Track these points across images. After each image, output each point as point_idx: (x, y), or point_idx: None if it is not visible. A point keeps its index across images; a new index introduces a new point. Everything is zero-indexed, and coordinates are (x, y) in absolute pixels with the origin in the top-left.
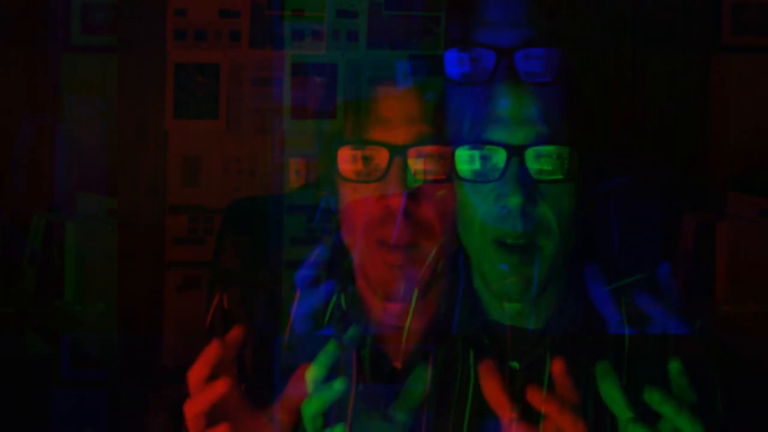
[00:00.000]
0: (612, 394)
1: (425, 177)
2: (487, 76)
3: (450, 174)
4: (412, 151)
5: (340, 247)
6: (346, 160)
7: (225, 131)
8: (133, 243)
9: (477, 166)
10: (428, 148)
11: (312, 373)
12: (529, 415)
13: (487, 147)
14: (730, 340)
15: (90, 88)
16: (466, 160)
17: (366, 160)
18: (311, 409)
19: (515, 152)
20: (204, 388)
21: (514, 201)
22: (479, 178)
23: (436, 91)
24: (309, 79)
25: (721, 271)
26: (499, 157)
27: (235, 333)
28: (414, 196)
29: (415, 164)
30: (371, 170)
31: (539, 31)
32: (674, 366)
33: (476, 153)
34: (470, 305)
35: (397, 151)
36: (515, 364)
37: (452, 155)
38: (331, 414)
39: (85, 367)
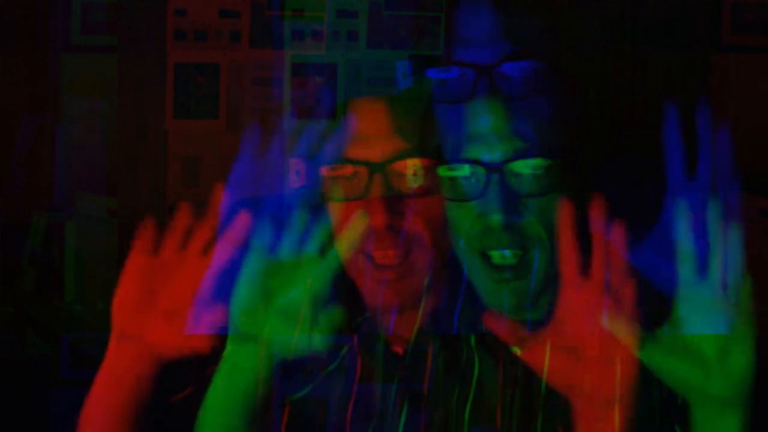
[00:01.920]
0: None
1: (410, 191)
2: (468, 93)
3: (435, 186)
4: (392, 167)
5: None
6: (328, 179)
7: (225, 131)
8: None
9: (458, 184)
10: (410, 162)
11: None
12: (528, 404)
13: (467, 166)
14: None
15: (90, 88)
16: (447, 179)
17: (346, 179)
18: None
19: (494, 169)
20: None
21: (495, 219)
22: (461, 196)
23: (419, 103)
24: (309, 79)
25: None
26: (479, 174)
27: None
28: (399, 210)
29: (398, 179)
30: (353, 189)
31: (518, 44)
32: None
33: (456, 172)
34: (471, 295)
35: (377, 168)
36: (517, 350)
37: (436, 167)
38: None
39: (85, 367)
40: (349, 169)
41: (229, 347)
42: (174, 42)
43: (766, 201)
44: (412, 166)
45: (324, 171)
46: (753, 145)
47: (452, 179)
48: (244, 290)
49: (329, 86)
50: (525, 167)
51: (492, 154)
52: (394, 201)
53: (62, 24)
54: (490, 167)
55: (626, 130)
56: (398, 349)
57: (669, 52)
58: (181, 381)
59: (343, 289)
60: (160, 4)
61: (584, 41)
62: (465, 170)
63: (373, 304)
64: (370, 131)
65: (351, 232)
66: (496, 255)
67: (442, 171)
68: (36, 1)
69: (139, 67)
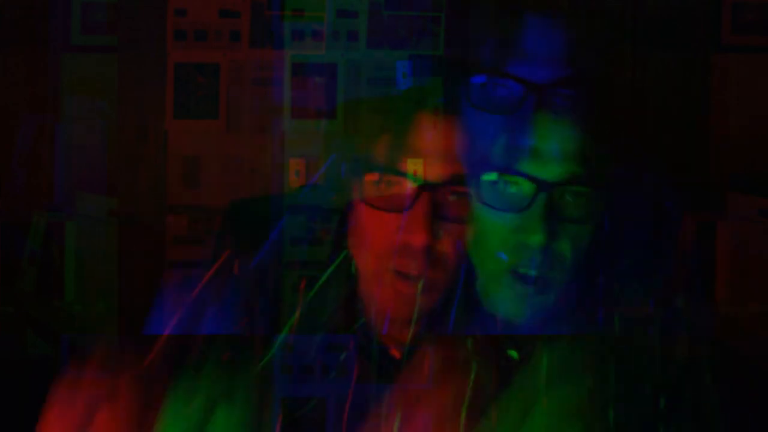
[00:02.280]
0: None
1: (449, 215)
2: (514, 107)
3: (469, 215)
4: (440, 189)
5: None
6: (373, 185)
7: (225, 131)
8: (133, 243)
9: (502, 194)
10: (457, 188)
11: None
12: (520, 407)
13: (517, 177)
14: (730, 340)
15: (90, 88)
16: (491, 185)
17: (393, 188)
18: None
19: (545, 188)
20: None
21: (536, 239)
22: (502, 206)
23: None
24: (309, 79)
25: (721, 271)
26: (528, 190)
27: None
28: (436, 232)
29: (443, 202)
30: (396, 200)
31: (573, 67)
32: None
33: (504, 181)
34: (468, 298)
35: (429, 188)
36: (514, 354)
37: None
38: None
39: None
40: (399, 181)
41: None
42: (174, 42)
43: (766, 201)
44: (459, 191)
45: (372, 176)
46: (753, 145)
47: (497, 187)
48: None
49: (329, 86)
50: (576, 192)
51: (546, 172)
52: (435, 222)
53: (62, 24)
54: (542, 185)
55: (626, 131)
56: (395, 353)
57: (669, 52)
58: None
59: (343, 293)
60: (160, 4)
61: (615, 79)
62: (514, 181)
63: (386, 313)
64: (430, 149)
65: None
66: (524, 270)
67: (487, 177)
68: (36, 1)
69: (139, 67)
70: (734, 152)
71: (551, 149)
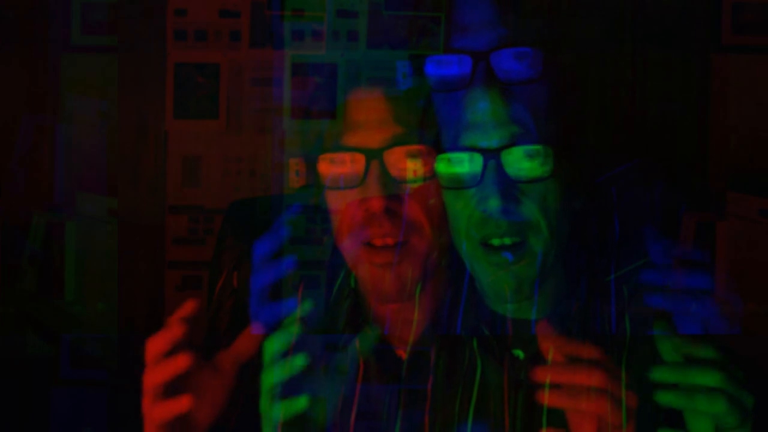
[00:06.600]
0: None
1: (407, 176)
2: (467, 80)
3: (432, 171)
4: (389, 153)
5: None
6: (325, 167)
7: (225, 131)
8: (133, 243)
9: (456, 172)
10: (407, 149)
11: (271, 347)
12: (531, 406)
13: (464, 153)
14: (730, 340)
15: (90, 88)
16: (445, 167)
17: (344, 166)
18: (269, 380)
19: (491, 156)
20: (164, 361)
21: (493, 204)
22: (459, 184)
23: (417, 91)
24: (309, 79)
25: (721, 271)
26: (476, 161)
27: (191, 306)
28: (396, 195)
29: (395, 165)
30: (350, 176)
31: (514, 30)
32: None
33: (454, 159)
34: (473, 297)
35: (374, 155)
36: (520, 353)
37: (433, 154)
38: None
39: (85, 367)
40: (346, 157)
41: None
42: (174, 42)
43: (766, 201)
44: (411, 151)
45: (321, 160)
46: (753, 145)
47: (450, 167)
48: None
49: (329, 86)
50: (522, 153)
51: (489, 140)
52: (392, 186)
53: (62, 24)
54: (487, 153)
55: (626, 130)
56: (401, 353)
57: (669, 52)
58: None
59: (350, 304)
60: (160, 4)
61: (582, 30)
62: (463, 157)
63: (374, 290)
64: (367, 119)
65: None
66: (496, 241)
67: (440, 160)
68: (36, 1)
69: (139, 67)
70: (734, 152)
71: (491, 116)
